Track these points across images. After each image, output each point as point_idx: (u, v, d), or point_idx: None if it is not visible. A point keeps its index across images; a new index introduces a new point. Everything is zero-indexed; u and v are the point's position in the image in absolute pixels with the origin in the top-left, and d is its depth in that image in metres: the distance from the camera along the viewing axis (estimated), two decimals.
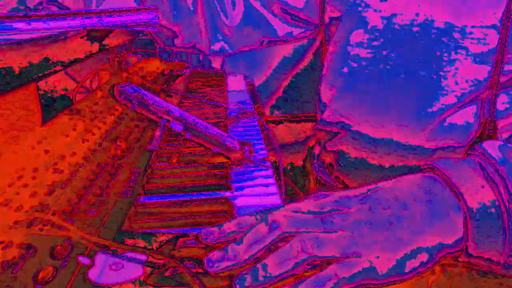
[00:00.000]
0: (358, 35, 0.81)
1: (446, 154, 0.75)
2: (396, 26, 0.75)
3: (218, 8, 1.06)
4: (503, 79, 0.69)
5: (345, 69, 0.85)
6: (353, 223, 0.45)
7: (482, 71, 0.69)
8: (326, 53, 0.92)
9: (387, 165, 0.79)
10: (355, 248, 0.43)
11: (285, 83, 1.81)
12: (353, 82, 0.83)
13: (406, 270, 0.44)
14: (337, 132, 0.87)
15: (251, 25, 1.05)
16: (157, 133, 0.87)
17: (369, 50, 0.80)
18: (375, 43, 0.79)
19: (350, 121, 0.84)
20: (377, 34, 0.78)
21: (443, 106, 0.73)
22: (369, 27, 0.79)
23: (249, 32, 1.06)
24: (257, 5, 1.04)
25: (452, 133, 0.74)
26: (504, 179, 0.46)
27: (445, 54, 0.71)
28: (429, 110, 0.74)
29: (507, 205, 0.45)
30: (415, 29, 0.73)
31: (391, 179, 0.50)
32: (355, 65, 0.82)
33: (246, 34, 1.06)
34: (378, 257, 0.43)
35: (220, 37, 1.08)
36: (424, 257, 0.44)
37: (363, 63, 0.81)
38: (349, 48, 0.83)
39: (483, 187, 0.46)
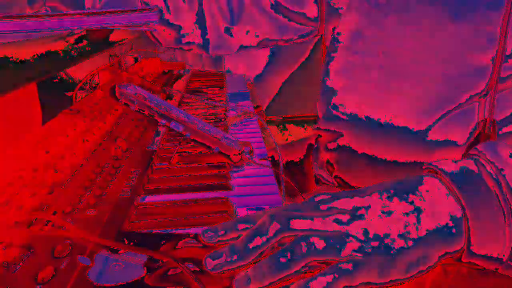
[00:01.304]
0: (358, 34, 0.81)
1: (447, 153, 0.75)
2: (397, 26, 0.75)
3: (218, 8, 1.06)
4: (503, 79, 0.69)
5: (345, 69, 0.85)
6: (354, 224, 0.45)
7: (483, 71, 0.69)
8: (326, 53, 0.92)
9: (390, 159, 0.79)
10: (356, 249, 0.43)
11: (286, 83, 1.81)
12: (354, 82, 0.83)
13: (406, 272, 0.44)
14: (338, 131, 0.87)
15: (251, 25, 1.05)
16: (157, 133, 0.87)
17: (370, 50, 0.80)
18: (375, 42, 0.79)
19: (351, 121, 0.84)
20: (377, 33, 0.78)
21: (444, 106, 0.73)
22: (369, 26, 0.79)
23: (249, 32, 1.06)
24: (257, 5, 1.04)
25: (452, 133, 0.74)
26: (505, 181, 0.46)
27: (446, 54, 0.71)
28: (430, 110, 0.74)
29: (508, 206, 0.45)
30: (415, 27, 0.73)
31: (392, 181, 0.50)
32: (356, 64, 0.82)
33: (246, 34, 1.06)
34: (378, 259, 0.43)
35: (221, 37, 1.08)
36: (424, 259, 0.44)
37: (364, 62, 0.81)
38: (349, 47, 0.83)
39: (483, 188, 0.46)
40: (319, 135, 0.93)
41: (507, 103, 0.70)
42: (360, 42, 0.82)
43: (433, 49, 0.73)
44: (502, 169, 0.46)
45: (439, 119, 0.73)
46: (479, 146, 0.51)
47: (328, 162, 0.91)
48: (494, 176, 0.46)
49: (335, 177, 0.91)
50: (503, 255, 0.46)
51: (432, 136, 0.75)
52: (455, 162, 0.50)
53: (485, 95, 0.70)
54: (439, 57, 0.72)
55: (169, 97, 1.15)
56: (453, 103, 0.72)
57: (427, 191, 0.48)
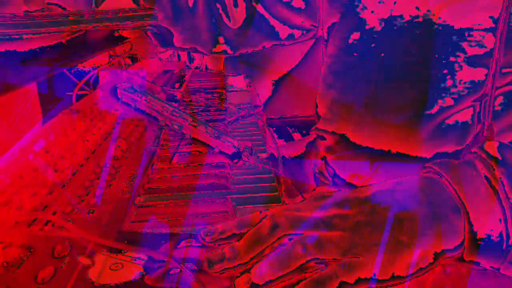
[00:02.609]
0: (355, 37, 0.81)
1: (445, 149, 0.75)
2: (394, 28, 0.75)
3: (220, 10, 1.06)
4: (500, 82, 0.69)
5: (343, 71, 0.85)
6: (354, 224, 0.45)
7: (480, 74, 0.69)
8: (324, 55, 0.92)
9: (391, 151, 0.79)
10: (356, 250, 0.43)
11: (286, 83, 1.81)
12: (351, 84, 0.83)
13: (406, 272, 0.44)
14: (337, 132, 0.87)
15: (253, 27, 1.05)
16: (157, 133, 0.87)
17: (367, 52, 0.80)
18: (373, 45, 0.79)
19: (349, 122, 0.84)
20: (374, 36, 0.78)
21: (441, 108, 0.73)
22: (366, 28, 0.79)
23: (251, 35, 1.06)
24: (259, 7, 1.04)
25: (450, 134, 0.74)
26: (506, 180, 0.46)
27: (443, 56, 0.71)
28: (427, 112, 0.74)
29: (509, 204, 0.45)
30: (413, 31, 0.73)
31: (392, 181, 0.50)
32: (354, 66, 0.82)
33: (248, 37, 1.06)
34: (378, 259, 0.43)
35: (222, 39, 1.08)
36: (424, 259, 0.44)
37: (361, 65, 0.81)
38: (346, 50, 0.83)
39: (482, 188, 0.46)
40: (318, 135, 0.93)
41: (505, 104, 0.70)
42: (357, 43, 0.82)
43: (429, 51, 0.73)
44: (502, 171, 0.46)
45: (437, 121, 0.74)
46: (479, 148, 0.51)
47: (326, 160, 0.91)
48: (494, 176, 0.46)
49: (334, 174, 0.91)
50: (501, 260, 0.46)
51: (431, 137, 0.75)
52: (455, 163, 0.50)
53: (483, 97, 0.70)
54: (435, 59, 0.72)
55: (170, 97, 1.15)
56: (452, 105, 0.72)
57: (427, 193, 0.48)
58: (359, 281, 0.43)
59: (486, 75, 0.69)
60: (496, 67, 0.67)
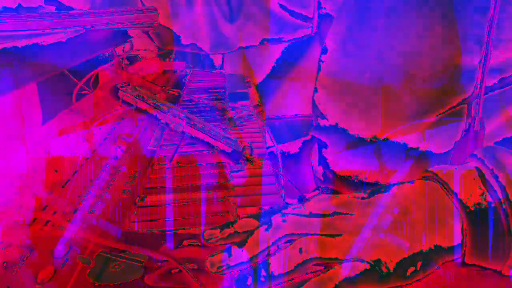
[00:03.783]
0: (349, 38, 0.82)
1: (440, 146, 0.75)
2: (387, 29, 0.76)
3: (218, 6, 1.06)
4: (490, 82, 0.69)
5: (338, 71, 0.85)
6: (356, 227, 0.45)
7: (471, 74, 0.70)
8: (320, 55, 0.92)
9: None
10: (357, 252, 0.44)
11: (285, 82, 1.81)
12: (347, 84, 0.83)
13: (407, 275, 0.44)
14: (333, 130, 0.87)
15: (252, 23, 1.05)
16: (157, 133, 0.87)
17: (361, 53, 0.80)
18: (366, 46, 0.79)
19: (345, 124, 0.84)
20: (368, 37, 0.79)
21: (434, 109, 0.73)
22: (360, 29, 0.79)
23: (250, 30, 1.06)
24: (257, 2, 1.04)
25: (443, 133, 0.74)
26: (503, 186, 0.46)
27: (435, 57, 0.72)
28: (422, 112, 0.74)
29: (507, 210, 0.45)
30: (404, 30, 0.74)
31: (394, 186, 0.50)
32: (348, 67, 0.82)
33: (246, 32, 1.06)
34: (379, 261, 0.43)
35: (221, 35, 1.08)
36: (424, 262, 0.45)
37: (356, 65, 0.81)
38: (341, 50, 0.83)
39: (482, 194, 0.46)
40: (314, 134, 0.93)
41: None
42: (351, 45, 0.82)
43: (423, 52, 0.73)
44: (501, 176, 0.46)
45: (432, 120, 0.74)
46: (478, 152, 0.51)
47: (324, 158, 0.91)
48: (493, 183, 0.46)
49: (331, 172, 0.91)
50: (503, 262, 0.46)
51: (424, 136, 0.75)
52: (455, 168, 0.50)
53: (474, 97, 0.70)
54: (428, 60, 0.72)
55: (170, 97, 1.15)
56: (443, 106, 0.72)
57: (427, 197, 0.48)
58: (360, 283, 0.43)
59: (476, 76, 0.69)
60: (484, 68, 0.67)
